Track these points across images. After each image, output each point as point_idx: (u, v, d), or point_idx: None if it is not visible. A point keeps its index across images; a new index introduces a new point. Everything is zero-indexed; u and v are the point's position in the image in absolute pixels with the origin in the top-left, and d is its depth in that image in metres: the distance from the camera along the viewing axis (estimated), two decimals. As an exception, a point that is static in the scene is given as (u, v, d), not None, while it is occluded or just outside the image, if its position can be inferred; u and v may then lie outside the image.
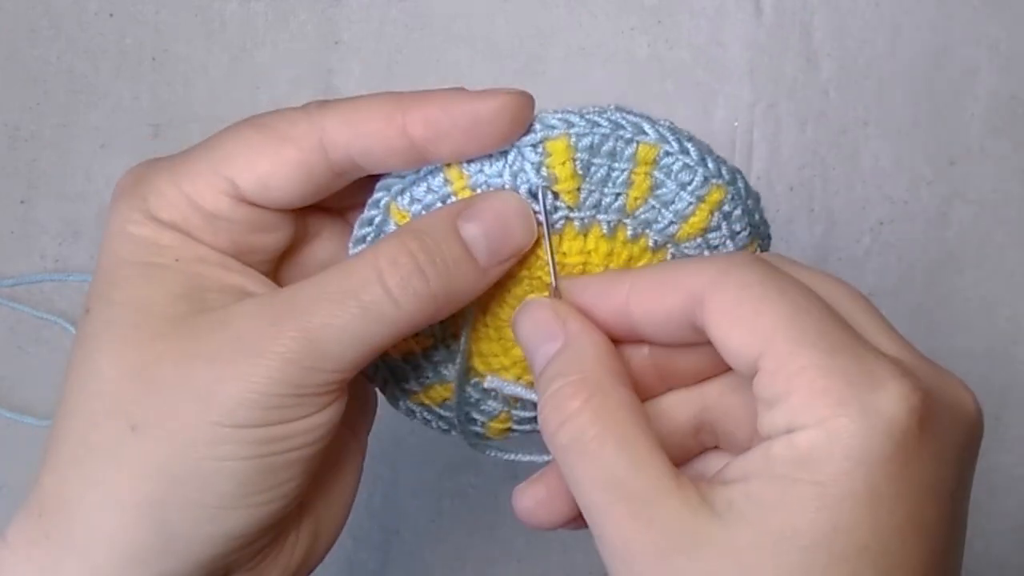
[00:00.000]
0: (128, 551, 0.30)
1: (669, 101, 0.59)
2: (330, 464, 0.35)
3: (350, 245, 0.35)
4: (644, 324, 0.31)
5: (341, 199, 0.35)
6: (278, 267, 0.35)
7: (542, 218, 0.33)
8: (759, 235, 0.36)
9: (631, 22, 0.60)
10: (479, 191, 0.33)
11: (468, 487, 0.58)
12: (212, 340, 0.30)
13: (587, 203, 0.34)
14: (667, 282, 0.30)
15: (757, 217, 0.36)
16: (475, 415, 0.38)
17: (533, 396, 0.34)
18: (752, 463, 0.28)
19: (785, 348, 0.28)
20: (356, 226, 0.35)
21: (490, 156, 0.33)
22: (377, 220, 0.34)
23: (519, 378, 0.37)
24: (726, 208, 0.34)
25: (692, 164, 0.34)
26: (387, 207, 0.34)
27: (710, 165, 0.34)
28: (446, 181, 0.33)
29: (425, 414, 0.38)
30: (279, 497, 0.31)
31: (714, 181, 0.34)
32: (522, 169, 0.33)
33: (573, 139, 0.33)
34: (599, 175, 0.33)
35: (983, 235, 0.59)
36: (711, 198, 0.34)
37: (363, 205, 0.35)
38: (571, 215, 0.34)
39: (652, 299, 0.31)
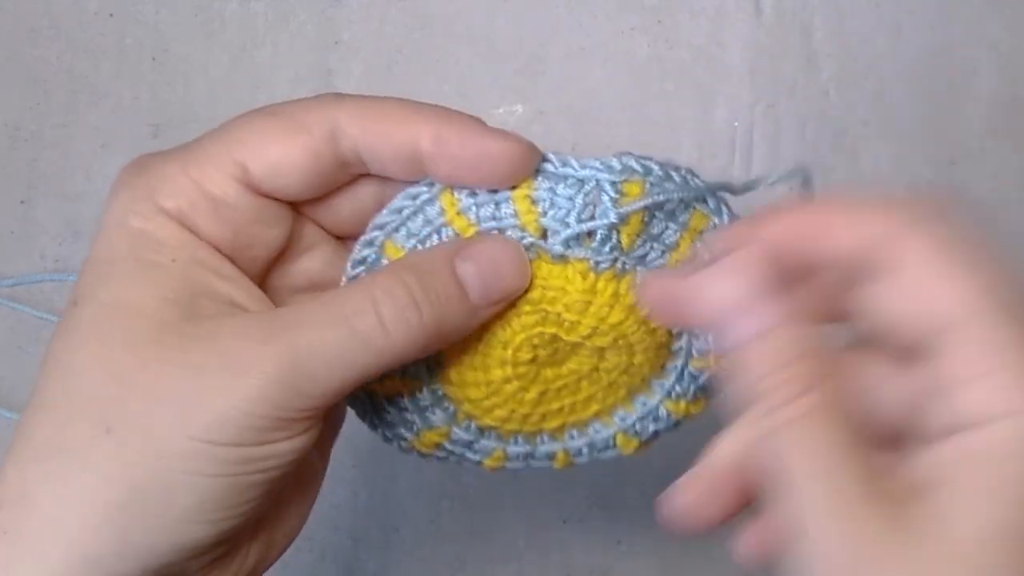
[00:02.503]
0: (83, 552, 0.29)
1: (669, 101, 0.59)
2: (292, 480, 0.34)
3: (343, 281, 0.35)
4: (826, 252, 0.29)
5: (340, 222, 0.35)
6: (268, 274, 0.35)
7: (606, 260, 0.33)
8: None
9: (631, 22, 0.60)
10: (544, 219, 0.32)
11: (468, 487, 0.58)
12: (199, 352, 0.30)
13: (635, 253, 0.33)
14: (854, 217, 0.28)
15: None
16: (469, 455, 0.38)
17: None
18: (944, 458, 0.26)
19: (987, 321, 0.26)
20: (348, 265, 0.34)
21: (564, 179, 0.32)
22: (370, 259, 0.34)
23: (512, 412, 0.36)
24: None
25: None
26: (382, 245, 0.34)
27: None
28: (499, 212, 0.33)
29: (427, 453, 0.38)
30: (239, 515, 0.31)
31: None
32: (596, 203, 0.32)
33: (648, 186, 0.32)
34: (655, 229, 0.33)
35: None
36: None
37: (361, 232, 0.34)
38: (618, 256, 0.33)
39: (836, 228, 0.28)
